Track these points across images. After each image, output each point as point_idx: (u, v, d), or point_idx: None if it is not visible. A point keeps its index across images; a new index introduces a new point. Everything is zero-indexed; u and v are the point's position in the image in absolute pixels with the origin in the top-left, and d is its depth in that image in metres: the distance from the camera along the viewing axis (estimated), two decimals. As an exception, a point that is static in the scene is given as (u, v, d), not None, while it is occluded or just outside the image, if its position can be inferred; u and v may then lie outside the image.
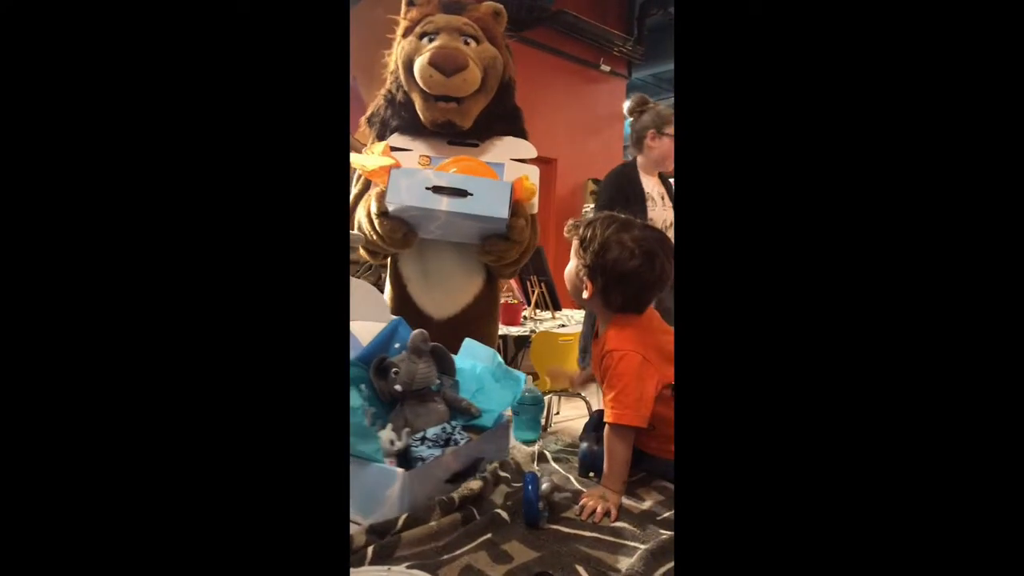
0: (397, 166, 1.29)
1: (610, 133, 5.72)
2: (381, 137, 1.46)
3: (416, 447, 0.86)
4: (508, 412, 1.02)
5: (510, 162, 1.46)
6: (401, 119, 1.44)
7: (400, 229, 1.33)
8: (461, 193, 1.23)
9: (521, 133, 1.51)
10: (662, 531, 0.77)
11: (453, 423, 0.93)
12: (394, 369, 0.93)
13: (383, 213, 1.29)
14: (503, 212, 1.25)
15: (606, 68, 5.42)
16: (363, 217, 1.37)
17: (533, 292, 3.02)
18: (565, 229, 1.02)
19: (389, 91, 1.47)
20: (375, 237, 1.34)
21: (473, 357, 1.08)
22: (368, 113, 1.51)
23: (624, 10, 5.49)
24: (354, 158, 1.35)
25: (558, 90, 5.05)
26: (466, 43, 1.39)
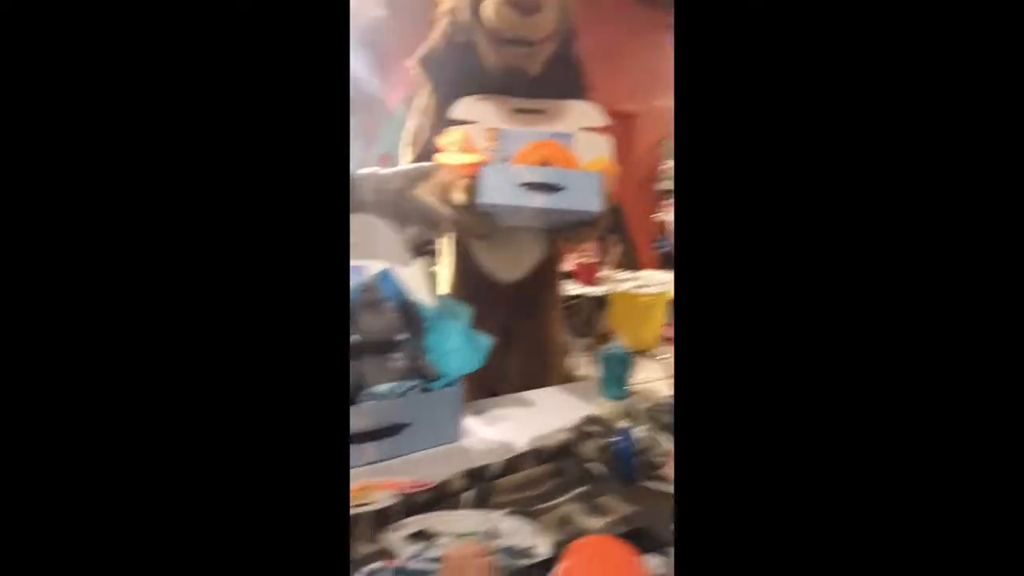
0: (486, 163, 1.25)
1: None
2: (437, 83, 1.40)
3: (364, 402, 0.85)
4: (460, 384, 0.97)
5: (579, 132, 1.39)
6: (461, 65, 1.35)
7: (486, 226, 1.30)
8: (554, 188, 1.20)
9: (582, 88, 1.44)
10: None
11: (411, 382, 0.89)
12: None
13: (469, 207, 1.24)
14: (596, 205, 1.22)
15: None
16: (435, 198, 1.31)
17: (610, 252, 2.97)
18: None
19: (446, 31, 1.38)
20: (455, 227, 1.33)
21: (451, 316, 1.03)
22: (422, 54, 1.41)
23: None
24: (439, 157, 1.30)
25: (636, 42, 4.83)
26: None
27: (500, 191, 1.21)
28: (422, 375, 0.91)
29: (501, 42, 1.29)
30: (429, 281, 1.25)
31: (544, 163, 1.28)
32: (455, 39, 1.35)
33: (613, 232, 3.01)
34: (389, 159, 3.68)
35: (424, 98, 1.43)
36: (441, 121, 1.38)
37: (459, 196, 1.24)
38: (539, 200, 1.20)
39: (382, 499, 0.69)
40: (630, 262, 3.11)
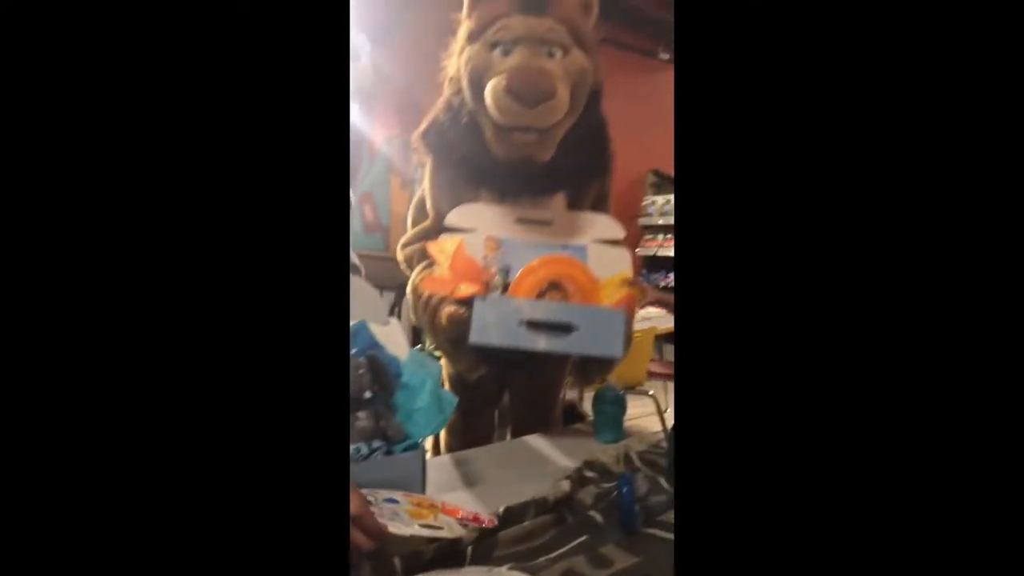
0: (481, 294, 1.06)
1: (670, 123, 5.58)
2: (439, 157, 1.23)
3: None
4: (428, 442, 0.92)
5: (593, 244, 1.21)
6: (465, 148, 1.18)
7: (479, 365, 1.12)
8: (565, 328, 1.02)
9: (605, 152, 1.29)
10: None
11: (376, 443, 0.84)
12: None
13: (457, 340, 1.05)
14: (618, 350, 1.04)
15: (665, 56, 5.29)
16: (414, 301, 1.15)
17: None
18: None
19: (450, 103, 1.20)
20: (438, 352, 1.14)
21: (422, 371, 0.94)
22: (422, 129, 1.25)
23: (683, -4, 5.34)
24: (422, 281, 1.12)
25: (615, 81, 4.96)
26: (550, 55, 1.11)
27: (497, 330, 1.01)
28: (386, 436, 0.86)
29: (506, 130, 1.11)
30: (406, 334, 1.19)
31: (555, 280, 1.11)
32: (460, 116, 1.18)
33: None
34: (373, 197, 3.69)
35: (428, 172, 1.27)
36: (444, 202, 1.21)
37: (446, 326, 1.06)
38: (545, 343, 1.02)
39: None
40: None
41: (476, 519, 0.75)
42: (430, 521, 0.71)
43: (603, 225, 1.24)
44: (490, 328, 1.02)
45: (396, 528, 0.66)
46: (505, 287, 1.11)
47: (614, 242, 1.24)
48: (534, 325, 1.02)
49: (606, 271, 1.17)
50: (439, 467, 1.03)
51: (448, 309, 1.06)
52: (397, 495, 0.76)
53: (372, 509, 0.69)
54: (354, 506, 0.60)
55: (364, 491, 0.73)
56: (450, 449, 1.26)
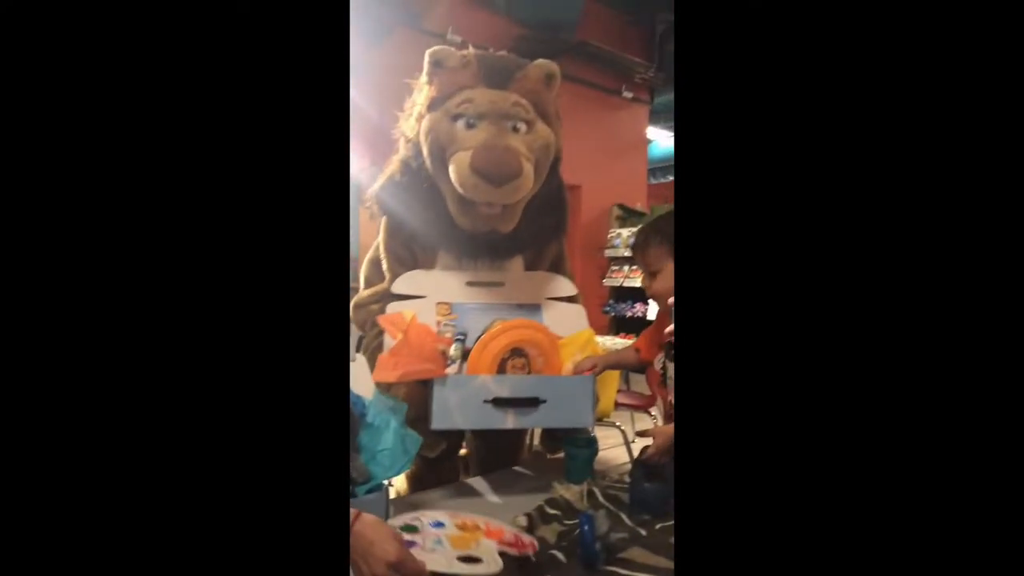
0: (442, 374, 1.00)
1: (634, 159, 5.74)
2: (395, 218, 1.20)
3: None
4: (394, 481, 0.89)
5: (548, 302, 1.20)
6: (424, 214, 1.15)
7: (438, 444, 1.08)
8: (532, 402, 0.99)
9: (563, 213, 1.27)
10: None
11: None
12: None
13: (415, 421, 0.97)
14: (587, 420, 1.03)
15: (628, 95, 5.46)
16: (366, 340, 1.11)
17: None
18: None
19: (407, 166, 1.16)
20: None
21: (386, 411, 0.93)
22: (376, 187, 1.21)
23: (646, 38, 5.55)
24: (382, 372, 1.01)
25: (580, 118, 5.11)
26: (515, 130, 1.09)
27: (462, 411, 0.97)
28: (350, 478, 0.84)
29: (470, 203, 1.10)
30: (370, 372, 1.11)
31: (517, 346, 1.07)
32: (418, 181, 1.14)
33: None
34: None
35: (383, 233, 1.24)
36: (400, 265, 1.18)
37: (405, 408, 0.97)
38: (512, 420, 0.99)
39: None
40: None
41: (518, 542, 0.75)
42: (471, 551, 0.71)
43: (554, 283, 1.22)
44: (453, 412, 0.97)
45: (435, 565, 0.66)
46: (464, 355, 1.07)
47: (569, 299, 1.22)
48: (500, 402, 0.98)
49: (563, 329, 1.15)
50: (402, 507, 1.02)
51: (403, 390, 1.02)
52: (443, 516, 0.76)
53: (418, 536, 0.70)
54: (393, 553, 0.59)
55: (414, 513, 0.74)
56: (413, 492, 1.25)
